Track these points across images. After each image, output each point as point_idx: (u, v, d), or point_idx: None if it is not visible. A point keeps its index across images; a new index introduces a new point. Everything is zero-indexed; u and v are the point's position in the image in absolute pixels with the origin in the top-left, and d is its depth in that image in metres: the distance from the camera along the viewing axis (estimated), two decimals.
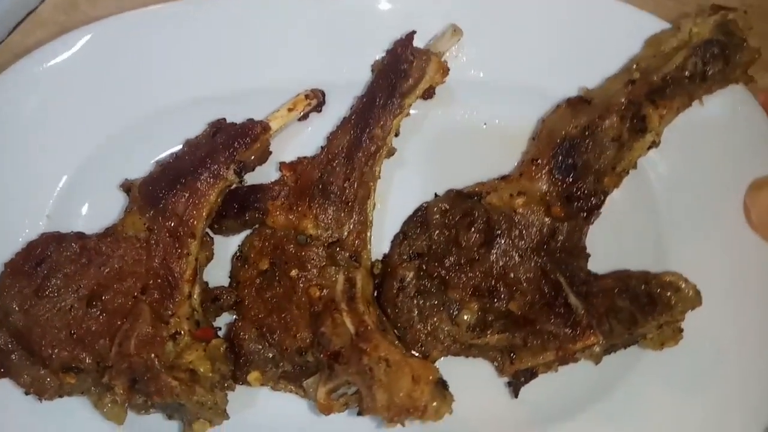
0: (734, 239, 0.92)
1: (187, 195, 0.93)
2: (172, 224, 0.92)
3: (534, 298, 0.88)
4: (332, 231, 0.92)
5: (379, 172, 0.94)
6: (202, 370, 0.86)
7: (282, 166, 0.97)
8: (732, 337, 0.91)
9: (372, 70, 0.99)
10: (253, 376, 0.91)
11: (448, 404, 0.79)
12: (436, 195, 0.96)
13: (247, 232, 0.98)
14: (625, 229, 0.96)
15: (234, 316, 0.97)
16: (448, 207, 0.93)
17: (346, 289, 0.88)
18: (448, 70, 0.92)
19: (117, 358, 0.84)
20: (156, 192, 0.94)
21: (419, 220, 0.95)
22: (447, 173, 0.98)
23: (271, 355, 0.92)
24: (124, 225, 0.93)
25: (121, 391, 0.82)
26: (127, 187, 0.98)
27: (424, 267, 0.92)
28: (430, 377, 0.78)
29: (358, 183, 0.92)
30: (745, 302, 0.91)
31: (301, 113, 1.01)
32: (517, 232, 0.89)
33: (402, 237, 0.95)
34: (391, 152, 0.95)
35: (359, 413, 0.82)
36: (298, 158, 0.97)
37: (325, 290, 0.89)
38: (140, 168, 0.99)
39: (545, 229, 0.89)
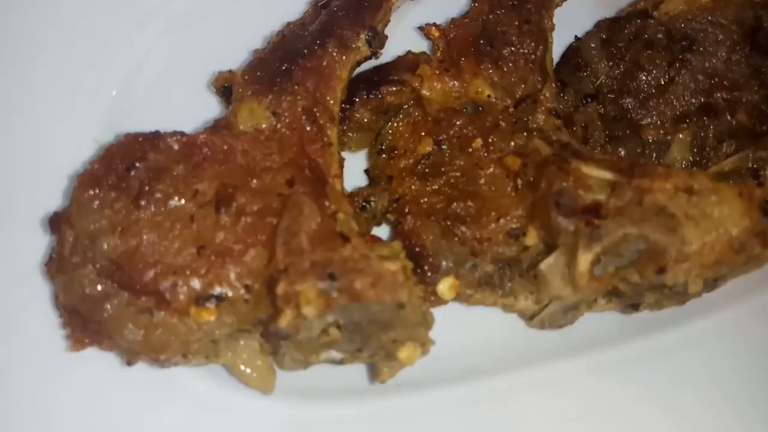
0: None
1: (315, 69, 0.71)
2: (305, 104, 0.69)
3: (762, 100, 0.73)
4: (515, 90, 0.73)
5: (553, 19, 0.76)
6: (408, 267, 0.60)
7: (427, 27, 0.77)
8: None
9: None
10: (447, 283, 0.66)
11: None
12: (576, 37, 0.79)
13: None
14: None
15: (395, 223, 0.71)
16: (607, 36, 0.77)
17: (557, 150, 0.67)
18: None
19: (290, 258, 0.56)
20: (273, 71, 0.71)
21: (574, 62, 0.78)
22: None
23: (464, 254, 0.68)
24: (238, 117, 0.69)
25: (313, 297, 0.54)
26: (224, 79, 0.74)
27: (602, 110, 0.74)
28: (763, 194, 0.57)
29: (537, 28, 0.74)
30: None
31: None
32: (713, 33, 0.75)
33: (561, 85, 0.77)
34: None
35: (660, 271, 0.58)
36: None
37: (527, 158, 0.68)
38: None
39: (747, 22, 0.75)
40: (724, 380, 0.68)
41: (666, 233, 0.57)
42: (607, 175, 0.62)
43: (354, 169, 0.79)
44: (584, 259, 0.60)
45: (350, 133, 0.79)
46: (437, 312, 0.65)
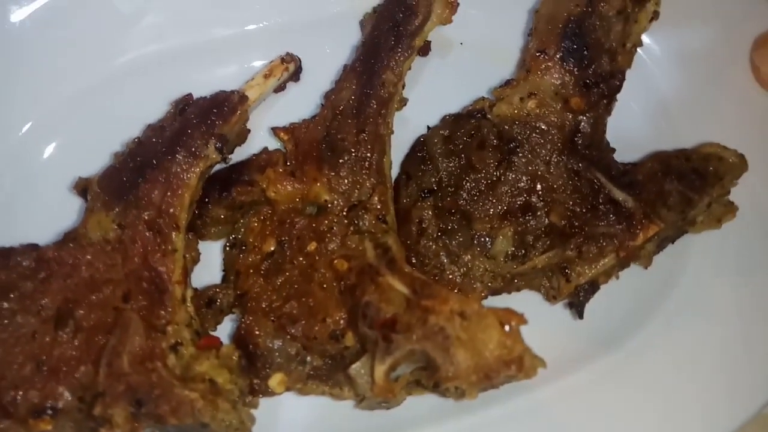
0: (744, 101, 0.90)
1: (162, 180, 0.77)
2: (149, 216, 0.76)
3: (574, 203, 0.79)
4: (349, 195, 0.79)
5: (392, 125, 0.83)
6: (220, 380, 0.68)
7: (276, 130, 0.84)
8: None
9: (361, 25, 0.90)
10: (276, 379, 0.74)
11: (537, 357, 0.66)
12: (428, 127, 0.86)
13: None
14: (633, 115, 0.91)
15: (239, 317, 0.79)
16: (449, 133, 0.83)
17: (380, 255, 0.75)
18: (458, 5, 0.84)
19: (109, 381, 0.64)
20: (122, 182, 0.77)
21: (419, 155, 0.84)
22: (436, 104, 0.88)
23: (294, 350, 0.76)
24: (87, 227, 0.76)
25: (121, 421, 0.62)
26: (81, 185, 0.80)
27: (440, 204, 0.81)
28: (520, 321, 0.65)
29: (372, 137, 0.80)
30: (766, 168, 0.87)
31: (279, 80, 0.89)
32: (536, 137, 0.81)
33: (405, 178, 0.83)
34: (402, 102, 0.84)
35: (434, 386, 0.67)
36: (291, 123, 0.84)
37: (353, 261, 0.75)
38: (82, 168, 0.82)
39: (567, 127, 0.81)
40: None
41: (441, 352, 0.65)
42: (404, 290, 0.70)
43: (217, 257, 0.87)
44: (379, 369, 0.68)
45: (210, 227, 0.86)
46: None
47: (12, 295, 0.70)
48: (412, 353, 0.67)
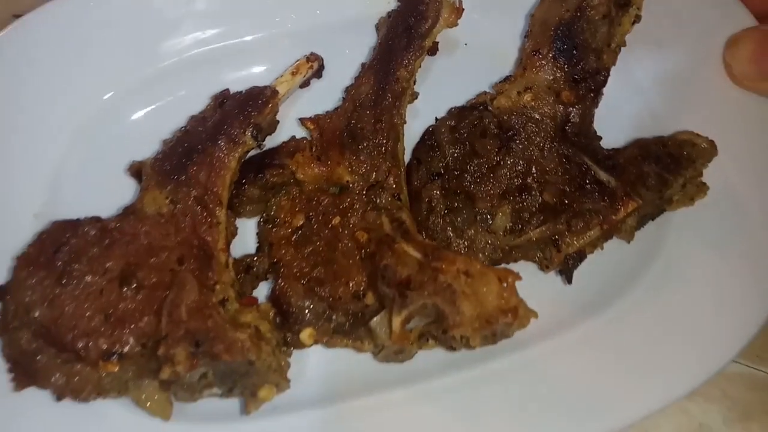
0: (718, 95, 1.00)
1: (207, 163, 0.90)
2: (197, 193, 0.88)
3: (564, 184, 0.90)
4: (368, 176, 0.91)
5: (404, 116, 0.95)
6: (263, 328, 0.80)
7: (303, 120, 0.96)
8: (743, 187, 0.97)
9: (377, 28, 1.02)
10: (306, 333, 0.86)
11: (530, 309, 0.78)
12: (436, 119, 0.98)
13: None
14: (617, 108, 1.01)
15: (273, 282, 0.91)
16: (454, 123, 0.95)
17: (396, 227, 0.87)
18: (462, 10, 0.96)
19: (170, 327, 0.77)
20: (173, 164, 0.90)
21: (429, 143, 0.96)
22: (443, 98, 1.00)
23: (321, 309, 0.88)
24: (143, 203, 0.88)
25: (182, 359, 0.74)
26: (136, 168, 0.93)
27: (447, 185, 0.92)
28: (515, 278, 0.77)
29: (388, 126, 0.92)
30: (740, 152, 0.98)
31: (304, 77, 1.02)
32: (532, 126, 0.93)
33: (416, 163, 0.95)
34: (414, 96, 0.96)
35: (444, 332, 0.79)
36: (316, 115, 0.97)
37: (372, 233, 0.87)
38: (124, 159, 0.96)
39: (559, 117, 0.93)
40: (522, 403, 0.88)
41: (449, 305, 0.77)
42: (417, 255, 0.82)
43: (252, 232, 0.99)
44: (396, 320, 0.80)
45: (245, 206, 0.98)
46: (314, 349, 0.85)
47: (82, 259, 0.82)
48: (424, 306, 0.79)
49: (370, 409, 0.89)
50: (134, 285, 0.81)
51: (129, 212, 0.87)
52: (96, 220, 0.85)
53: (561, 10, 0.94)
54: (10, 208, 0.92)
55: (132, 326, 0.79)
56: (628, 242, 0.96)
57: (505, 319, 0.74)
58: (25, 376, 0.80)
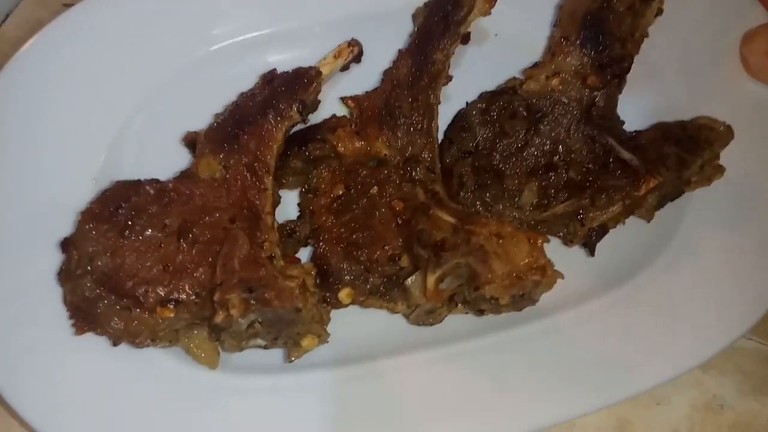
0: (735, 86, 1.07)
1: (257, 134, 0.97)
2: (247, 160, 0.95)
3: (589, 162, 0.96)
4: (404, 150, 0.98)
5: (439, 96, 1.02)
6: (308, 282, 0.86)
7: (344, 98, 1.03)
8: (758, 171, 1.03)
9: (414, 18, 1.09)
10: (345, 292, 0.92)
11: (557, 270, 0.84)
12: (467, 103, 1.04)
13: None
14: (639, 102, 1.08)
15: (314, 246, 0.98)
16: (485, 106, 1.01)
17: (430, 197, 0.93)
18: (496, 0, 1.03)
19: (224, 276, 0.83)
20: (226, 134, 0.97)
21: (460, 124, 1.02)
22: (473, 85, 1.06)
23: (359, 271, 0.94)
24: (198, 168, 0.95)
25: (237, 303, 0.81)
26: (191, 138, 1.00)
27: (477, 163, 0.99)
28: (544, 240, 0.83)
29: (424, 105, 0.99)
30: (754, 139, 1.04)
31: (345, 60, 1.09)
32: (559, 109, 0.99)
33: (448, 142, 1.02)
34: (448, 78, 1.03)
35: (476, 288, 0.85)
36: (356, 95, 1.04)
37: (408, 202, 0.94)
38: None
39: (585, 100, 0.99)
40: (549, 365, 0.94)
41: (481, 264, 0.83)
42: (451, 220, 0.89)
43: (292, 202, 1.06)
44: (431, 279, 0.86)
45: (288, 177, 1.05)
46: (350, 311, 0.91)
47: (142, 215, 0.89)
48: (457, 266, 0.86)
49: (400, 368, 0.95)
50: (190, 239, 0.87)
51: (185, 176, 0.94)
52: (155, 181, 0.92)
53: (589, 1, 1.01)
54: (72, 172, 0.99)
55: (188, 276, 0.85)
56: (648, 221, 1.02)
57: (533, 276, 0.80)
58: (85, 321, 0.86)
